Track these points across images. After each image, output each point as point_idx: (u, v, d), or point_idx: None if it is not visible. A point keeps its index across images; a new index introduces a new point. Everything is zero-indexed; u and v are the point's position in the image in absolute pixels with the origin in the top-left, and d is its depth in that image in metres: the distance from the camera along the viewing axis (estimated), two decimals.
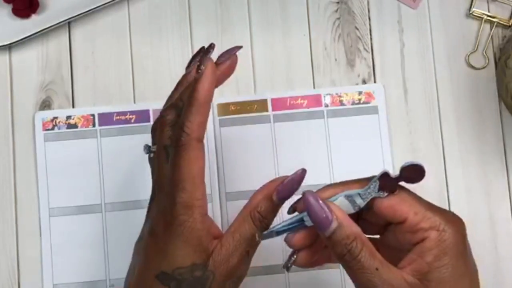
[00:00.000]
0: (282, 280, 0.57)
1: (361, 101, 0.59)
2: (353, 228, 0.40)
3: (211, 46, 0.43)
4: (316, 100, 0.59)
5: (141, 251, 0.43)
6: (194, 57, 0.45)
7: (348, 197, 0.41)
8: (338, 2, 0.61)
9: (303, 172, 0.43)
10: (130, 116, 0.59)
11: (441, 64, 0.60)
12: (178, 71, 0.60)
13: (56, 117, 0.59)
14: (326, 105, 0.59)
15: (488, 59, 0.60)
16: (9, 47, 0.60)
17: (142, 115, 0.58)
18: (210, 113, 0.59)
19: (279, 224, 0.42)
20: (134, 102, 0.60)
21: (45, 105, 0.59)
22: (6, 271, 0.57)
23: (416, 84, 0.60)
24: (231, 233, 0.42)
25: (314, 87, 0.60)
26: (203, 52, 0.43)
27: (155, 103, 0.59)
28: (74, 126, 0.59)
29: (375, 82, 0.60)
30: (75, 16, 0.58)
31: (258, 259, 0.57)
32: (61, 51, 0.60)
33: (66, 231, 0.57)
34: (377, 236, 0.44)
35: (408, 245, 0.41)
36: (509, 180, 0.59)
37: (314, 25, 0.61)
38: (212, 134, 0.59)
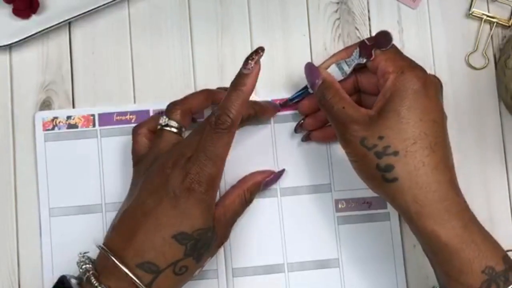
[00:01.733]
0: (282, 280, 0.57)
1: None
2: (333, 82, 0.51)
3: (262, 49, 0.49)
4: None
5: (152, 211, 0.47)
6: (248, 58, 0.49)
7: (338, 65, 0.53)
8: (338, 2, 0.61)
9: (282, 171, 0.57)
10: (131, 116, 0.59)
11: (441, 64, 0.60)
12: (178, 71, 0.60)
13: (56, 117, 0.59)
14: None
15: (488, 59, 0.60)
16: (9, 47, 0.60)
17: (142, 115, 0.58)
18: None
19: (292, 95, 0.57)
20: (134, 102, 0.60)
21: (45, 105, 0.59)
22: (6, 271, 0.57)
23: None
24: (227, 205, 0.52)
25: None
26: (255, 53, 0.49)
27: (155, 103, 0.59)
28: (75, 126, 0.59)
29: None
30: (75, 16, 0.58)
31: (258, 259, 0.57)
32: (61, 51, 0.60)
33: (66, 231, 0.57)
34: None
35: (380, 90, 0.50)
36: (509, 180, 0.59)
37: (314, 25, 0.61)
38: None
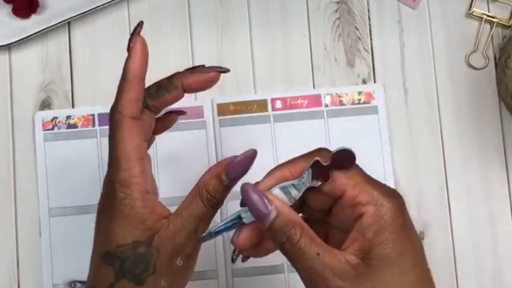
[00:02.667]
0: (282, 280, 0.57)
1: (361, 101, 0.59)
2: (292, 216, 0.39)
3: (139, 25, 0.43)
4: (316, 100, 0.59)
5: (95, 230, 0.43)
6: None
7: (283, 188, 0.40)
8: (338, 2, 0.61)
9: (253, 152, 0.42)
10: None
11: (441, 64, 0.60)
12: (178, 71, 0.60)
13: (56, 117, 0.59)
14: (326, 105, 0.59)
15: (488, 59, 0.60)
16: (9, 47, 0.60)
17: None
18: (210, 113, 0.59)
19: (218, 224, 0.41)
20: None
21: (45, 105, 0.59)
22: (6, 271, 0.57)
23: (416, 84, 0.60)
24: (180, 211, 0.42)
25: (314, 87, 0.60)
26: (133, 34, 0.43)
27: None
28: (74, 126, 0.59)
29: (375, 82, 0.60)
30: (75, 16, 0.58)
31: (258, 259, 0.57)
32: (61, 51, 0.60)
33: (66, 231, 0.57)
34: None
35: (350, 223, 0.39)
36: (509, 180, 0.59)
37: (314, 25, 0.61)
38: (212, 134, 0.59)
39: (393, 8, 0.61)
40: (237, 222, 0.40)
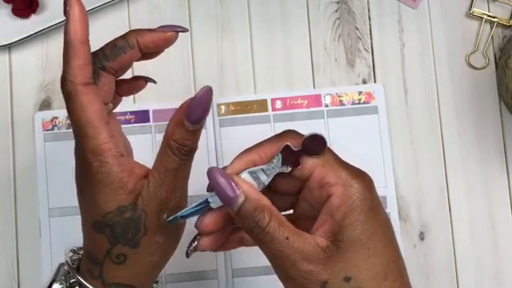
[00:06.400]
0: None
1: (361, 101, 0.59)
2: (261, 200, 0.38)
3: None
4: (316, 100, 0.59)
5: (79, 203, 0.42)
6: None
7: (252, 173, 0.39)
8: (338, 2, 0.61)
9: (208, 88, 0.39)
10: (130, 117, 0.59)
11: (441, 64, 0.60)
12: (178, 71, 0.60)
13: (56, 117, 0.59)
14: (326, 105, 0.59)
15: (488, 59, 0.60)
16: (9, 47, 0.60)
17: (141, 116, 0.58)
18: (210, 113, 0.59)
19: (185, 208, 0.40)
20: (134, 102, 0.59)
21: (45, 105, 0.59)
22: (6, 271, 0.57)
23: (416, 84, 0.60)
24: (155, 168, 0.41)
25: (314, 87, 0.60)
26: None
27: (155, 103, 0.59)
28: None
29: (375, 82, 0.60)
30: None
31: (258, 259, 0.57)
32: (61, 51, 0.60)
33: (66, 231, 0.57)
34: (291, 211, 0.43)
35: (319, 205, 0.39)
36: (509, 180, 0.59)
37: (314, 25, 0.61)
38: (212, 134, 0.59)
39: (393, 8, 0.61)
40: (204, 207, 0.39)
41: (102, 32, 0.61)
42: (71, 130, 0.58)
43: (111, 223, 0.40)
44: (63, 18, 0.58)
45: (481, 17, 0.60)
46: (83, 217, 0.42)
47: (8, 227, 0.58)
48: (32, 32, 0.58)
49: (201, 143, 0.59)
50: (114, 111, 0.46)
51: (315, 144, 0.38)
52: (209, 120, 0.59)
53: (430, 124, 0.59)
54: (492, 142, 0.59)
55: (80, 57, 0.40)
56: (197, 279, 0.56)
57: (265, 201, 0.38)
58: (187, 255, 0.41)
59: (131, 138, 0.55)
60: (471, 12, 0.60)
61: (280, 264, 0.37)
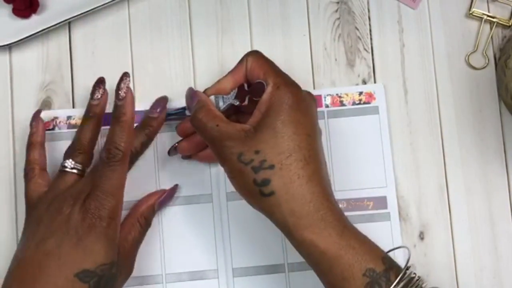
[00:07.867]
0: (282, 280, 0.57)
1: (362, 102, 0.59)
2: (206, 102, 0.51)
3: (126, 75, 0.51)
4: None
5: (54, 251, 0.47)
6: (117, 88, 0.52)
7: (216, 98, 0.52)
8: (338, 2, 0.61)
9: (176, 187, 0.57)
10: None
11: (441, 64, 0.60)
12: (178, 71, 0.60)
13: (57, 117, 0.59)
14: (327, 106, 0.59)
15: (488, 59, 0.60)
16: (9, 47, 0.60)
17: (142, 116, 0.58)
18: None
19: (168, 111, 0.57)
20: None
21: (45, 105, 0.59)
22: (6, 271, 0.57)
23: (416, 84, 0.60)
24: (125, 236, 0.52)
25: (314, 88, 0.60)
26: (121, 82, 0.51)
27: None
28: (75, 126, 0.58)
29: (375, 82, 0.60)
30: (75, 16, 0.58)
31: (258, 259, 0.57)
32: (61, 51, 0.60)
33: None
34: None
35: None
36: (509, 180, 0.59)
37: (314, 25, 0.61)
38: None
39: (393, 8, 0.61)
40: (182, 111, 0.56)
41: (102, 32, 0.61)
42: (72, 130, 0.58)
43: (102, 274, 0.47)
44: (64, 18, 0.59)
45: (480, 17, 0.60)
46: (64, 266, 0.47)
47: (8, 227, 0.58)
48: (33, 32, 0.58)
49: None
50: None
51: (260, 90, 0.49)
52: None
53: (430, 124, 0.59)
54: (492, 142, 0.59)
55: (131, 134, 0.51)
56: (197, 279, 0.56)
57: (209, 104, 0.51)
58: (169, 153, 0.57)
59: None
60: (470, 12, 0.60)
61: (211, 145, 0.49)
